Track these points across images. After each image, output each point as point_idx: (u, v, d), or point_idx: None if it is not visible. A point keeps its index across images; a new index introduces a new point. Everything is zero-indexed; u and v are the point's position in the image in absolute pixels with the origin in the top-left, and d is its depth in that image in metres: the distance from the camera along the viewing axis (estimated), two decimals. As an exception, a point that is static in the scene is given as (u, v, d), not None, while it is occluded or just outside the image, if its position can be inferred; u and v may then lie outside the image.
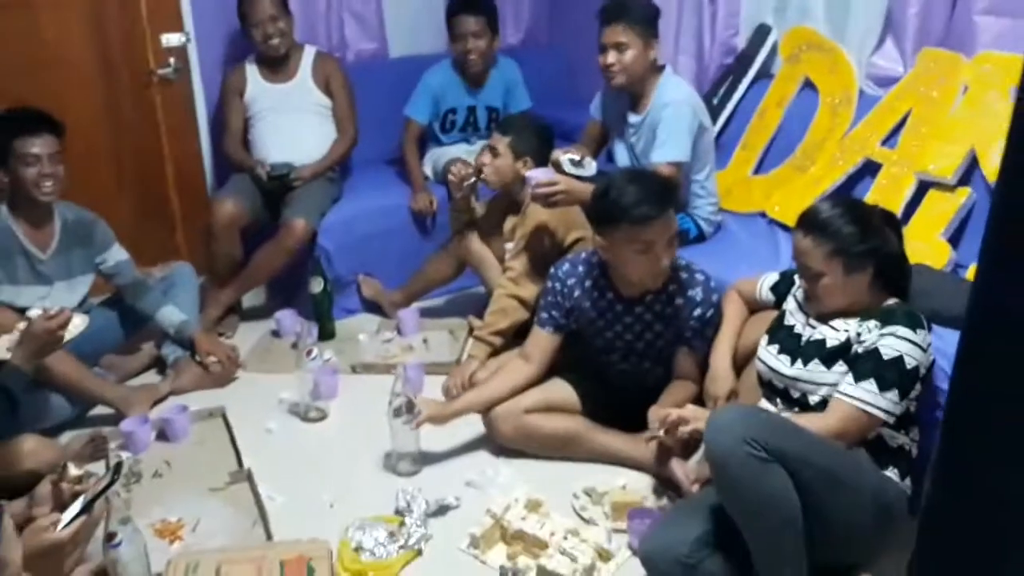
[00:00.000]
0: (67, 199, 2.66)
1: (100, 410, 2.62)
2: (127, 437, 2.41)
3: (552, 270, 2.37)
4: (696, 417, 1.87)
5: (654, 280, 2.20)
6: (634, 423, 2.24)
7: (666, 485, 2.22)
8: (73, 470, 1.62)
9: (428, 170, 3.60)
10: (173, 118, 3.50)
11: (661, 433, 1.98)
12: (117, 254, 2.73)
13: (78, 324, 2.33)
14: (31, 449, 2.05)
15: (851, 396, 1.74)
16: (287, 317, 3.13)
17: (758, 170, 3.11)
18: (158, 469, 2.35)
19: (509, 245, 2.82)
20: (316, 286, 3.03)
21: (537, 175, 2.61)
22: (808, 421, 1.76)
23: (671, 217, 2.14)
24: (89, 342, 2.62)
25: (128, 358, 2.89)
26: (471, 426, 2.47)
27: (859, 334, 1.79)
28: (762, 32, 3.24)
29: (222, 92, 3.39)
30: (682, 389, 2.26)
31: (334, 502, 2.21)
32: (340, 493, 2.25)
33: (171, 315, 2.78)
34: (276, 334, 3.14)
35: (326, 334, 3.09)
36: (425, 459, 2.35)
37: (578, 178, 2.65)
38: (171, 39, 3.38)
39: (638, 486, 2.23)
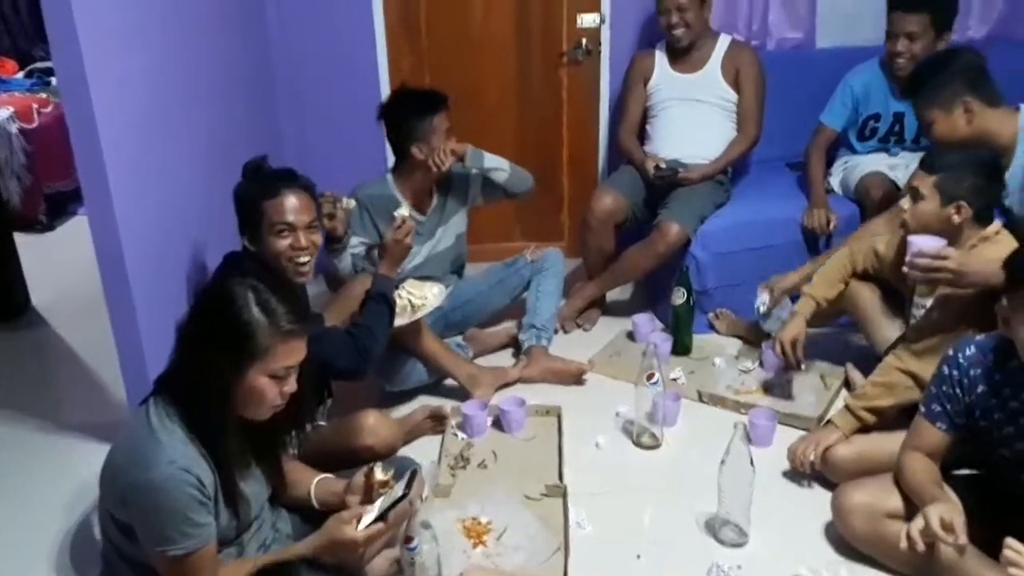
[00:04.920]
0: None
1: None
2: (465, 419, 2.47)
3: (951, 352, 1.83)
4: None
5: None
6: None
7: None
8: (379, 474, 1.65)
9: (835, 182, 3.14)
10: (576, 100, 3.53)
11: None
12: None
13: (436, 294, 2.51)
14: (372, 425, 2.16)
15: None
16: (644, 323, 2.98)
17: None
18: (485, 459, 2.37)
19: (924, 301, 2.30)
20: (678, 297, 2.81)
21: (922, 241, 2.07)
22: None
23: None
24: (458, 312, 2.86)
25: (488, 333, 2.99)
26: (818, 508, 2.09)
27: None
28: None
29: (627, 76, 3.28)
30: None
31: (641, 553, 2.01)
32: (650, 543, 2.05)
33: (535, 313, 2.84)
34: (631, 336, 3.01)
35: (681, 349, 2.87)
36: (754, 532, 2.04)
37: None
38: (586, 19, 3.40)
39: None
